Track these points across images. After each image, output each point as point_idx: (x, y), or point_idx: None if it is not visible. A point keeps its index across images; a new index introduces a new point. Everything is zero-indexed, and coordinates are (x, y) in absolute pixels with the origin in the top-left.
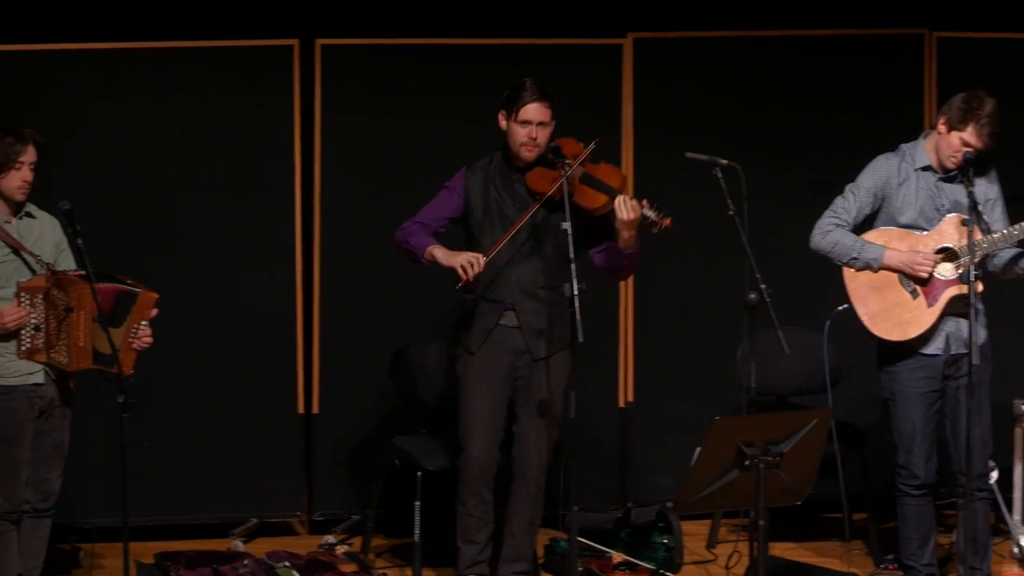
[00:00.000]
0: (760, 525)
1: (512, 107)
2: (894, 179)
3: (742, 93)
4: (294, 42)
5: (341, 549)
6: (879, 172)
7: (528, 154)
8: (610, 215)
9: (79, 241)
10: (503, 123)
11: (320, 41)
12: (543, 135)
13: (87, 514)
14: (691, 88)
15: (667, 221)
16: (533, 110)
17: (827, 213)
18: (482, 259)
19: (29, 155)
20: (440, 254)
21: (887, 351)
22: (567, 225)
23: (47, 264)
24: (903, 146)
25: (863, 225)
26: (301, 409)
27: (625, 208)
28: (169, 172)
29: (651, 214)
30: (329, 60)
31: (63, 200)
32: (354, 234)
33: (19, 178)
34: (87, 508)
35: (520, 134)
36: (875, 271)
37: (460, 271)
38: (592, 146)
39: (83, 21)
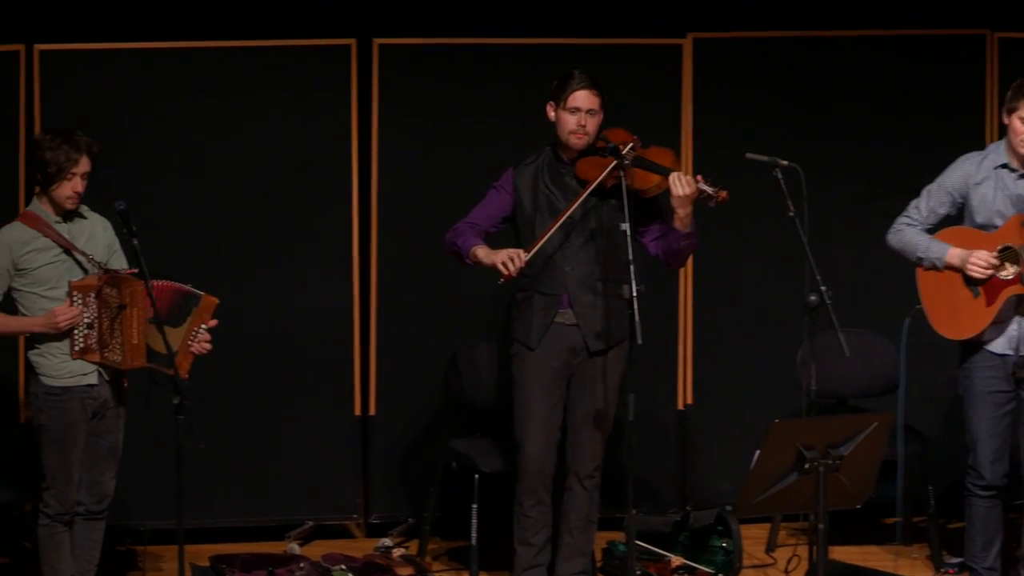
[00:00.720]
0: (820, 529)
1: (560, 95)
2: (972, 178)
3: (803, 93)
4: (351, 41)
5: (398, 552)
6: (956, 172)
7: (577, 142)
8: (660, 197)
9: (135, 241)
10: (551, 114)
11: (378, 40)
12: (592, 123)
13: (142, 516)
14: (751, 88)
15: (723, 193)
16: (582, 97)
17: (903, 212)
18: (523, 254)
19: (82, 166)
20: (482, 253)
21: (964, 349)
22: (626, 226)
23: (99, 264)
24: (990, 145)
25: (943, 225)
26: (358, 411)
27: (680, 184)
28: (225, 172)
29: (707, 188)
30: (387, 59)
31: (119, 200)
32: (412, 234)
33: (70, 188)
34: (142, 510)
35: (569, 121)
36: (940, 270)
37: (501, 267)
38: (627, 150)
39: (140, 20)
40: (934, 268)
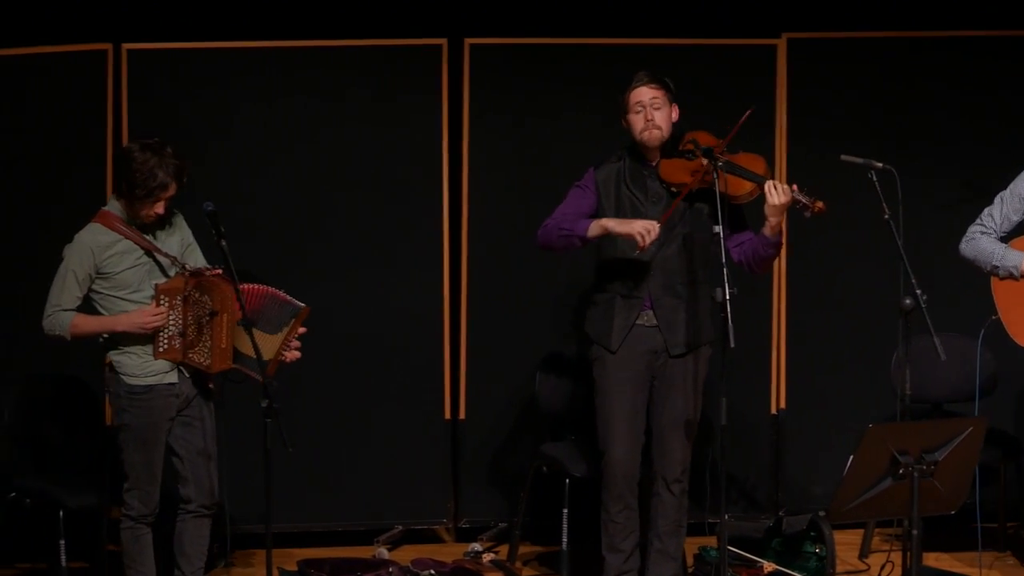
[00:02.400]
0: (913, 535)
1: (623, 100)
2: None
3: (899, 95)
4: (442, 41)
5: (487, 557)
6: None
7: (650, 137)
8: (743, 207)
9: (223, 243)
10: (624, 122)
11: (469, 40)
12: (659, 116)
13: (230, 520)
14: (847, 90)
15: (820, 204)
16: (641, 93)
17: (976, 220)
18: (657, 225)
19: (169, 191)
20: (611, 223)
21: None
22: (719, 229)
23: (182, 264)
24: None
25: (1017, 233)
26: (447, 415)
27: (777, 192)
28: (316, 172)
29: (802, 198)
30: (478, 59)
31: (207, 201)
32: (502, 236)
33: (152, 210)
34: (230, 514)
35: (637, 121)
36: (1017, 279)
37: (639, 237)
38: (735, 129)
39: (229, 20)
40: (1011, 277)
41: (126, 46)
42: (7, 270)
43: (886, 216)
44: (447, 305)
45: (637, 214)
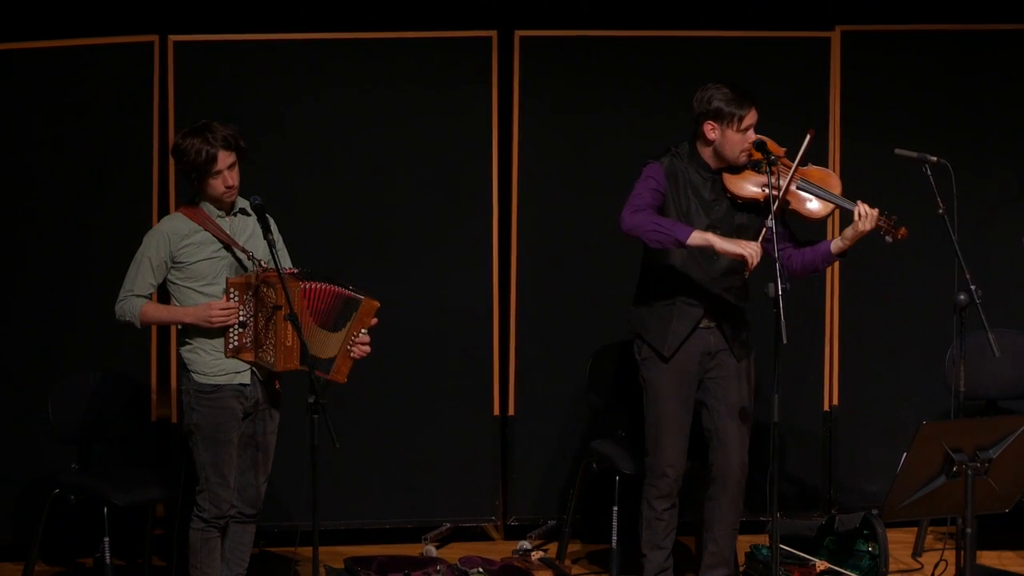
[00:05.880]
0: (967, 533)
1: (732, 117)
2: None
3: (953, 88)
4: (492, 33)
5: (536, 555)
6: None
7: (747, 159)
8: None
9: (269, 236)
10: (713, 134)
11: (519, 32)
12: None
13: (276, 517)
14: (901, 82)
15: (903, 231)
16: (754, 115)
17: None
18: (760, 249)
19: (222, 161)
20: (718, 240)
21: None
22: (771, 222)
23: (259, 261)
24: None
25: None
26: (497, 411)
27: (864, 220)
28: (364, 166)
29: (885, 223)
30: (528, 51)
31: (254, 195)
32: (553, 229)
33: (220, 184)
34: (276, 511)
35: (742, 142)
36: None
37: (750, 259)
38: (801, 155)
39: (277, 11)
40: None
41: (173, 38)
42: (54, 266)
43: (940, 211)
44: (496, 299)
45: (692, 219)
